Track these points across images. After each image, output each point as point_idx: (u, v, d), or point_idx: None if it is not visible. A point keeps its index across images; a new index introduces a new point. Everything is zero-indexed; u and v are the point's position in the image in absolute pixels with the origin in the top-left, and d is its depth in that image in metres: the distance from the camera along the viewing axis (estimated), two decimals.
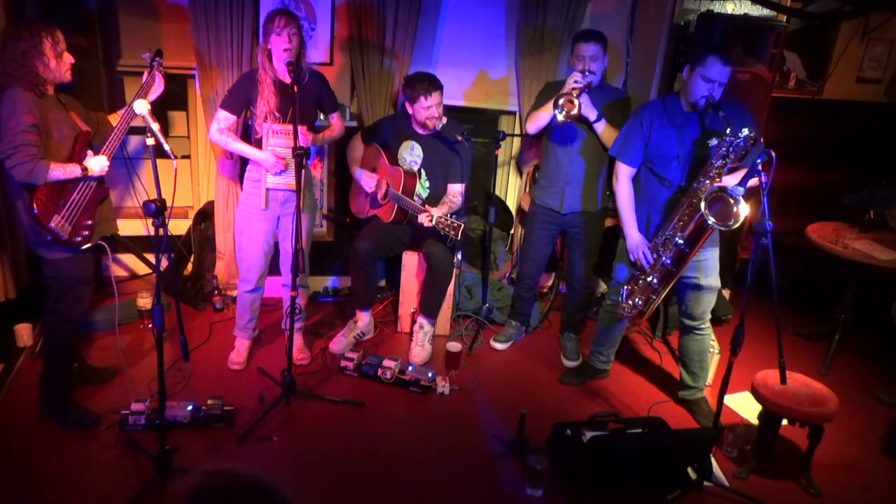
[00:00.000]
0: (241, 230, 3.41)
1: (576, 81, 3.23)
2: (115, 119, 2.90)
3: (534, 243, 3.78)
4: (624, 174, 3.21)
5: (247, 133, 3.49)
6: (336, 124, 3.52)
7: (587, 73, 3.27)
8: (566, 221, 3.65)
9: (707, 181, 2.88)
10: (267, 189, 3.26)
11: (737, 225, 2.77)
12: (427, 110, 3.48)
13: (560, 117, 3.23)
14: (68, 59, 2.66)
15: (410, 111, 3.55)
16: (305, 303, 3.59)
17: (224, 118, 3.23)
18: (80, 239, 2.69)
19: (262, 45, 3.11)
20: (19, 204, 2.67)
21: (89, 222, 2.72)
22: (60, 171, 2.57)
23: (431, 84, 3.45)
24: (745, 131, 2.78)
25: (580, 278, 3.77)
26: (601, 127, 3.38)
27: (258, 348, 3.67)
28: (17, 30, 2.57)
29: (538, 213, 3.71)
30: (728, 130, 2.81)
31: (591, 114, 3.34)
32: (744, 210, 2.74)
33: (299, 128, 3.13)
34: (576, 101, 3.20)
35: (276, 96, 3.14)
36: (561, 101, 3.22)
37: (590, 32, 3.38)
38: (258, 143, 3.24)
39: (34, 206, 2.54)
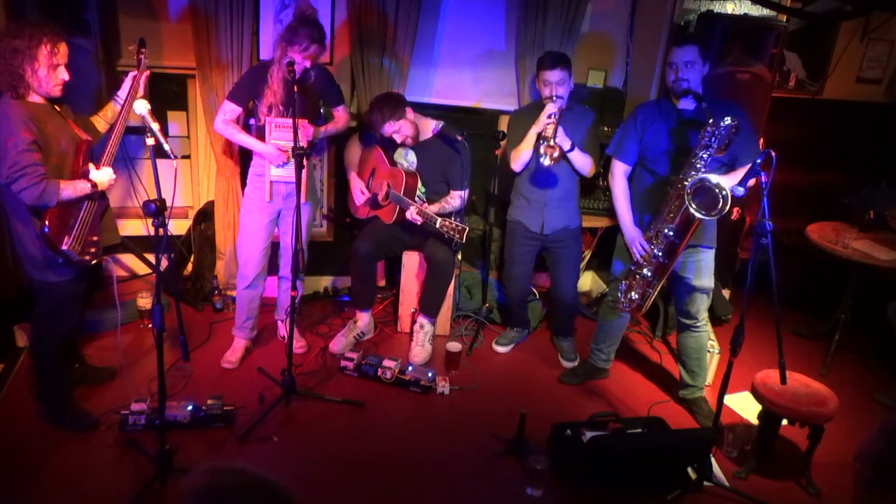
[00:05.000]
0: (243, 224, 3.45)
1: (549, 117, 3.22)
2: (98, 122, 2.85)
3: (516, 262, 3.72)
4: (619, 171, 3.25)
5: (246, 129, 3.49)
6: (340, 117, 3.55)
7: (556, 98, 3.26)
8: (547, 238, 3.63)
9: (693, 172, 2.89)
10: (271, 182, 3.30)
11: (722, 213, 2.77)
12: (393, 136, 3.50)
13: (547, 163, 3.22)
14: (62, 74, 2.54)
15: None
16: (302, 293, 3.61)
17: (230, 109, 3.25)
18: (88, 257, 2.65)
19: (284, 45, 3.09)
20: (17, 226, 2.60)
21: (95, 238, 2.68)
22: (71, 189, 2.53)
23: (376, 118, 3.44)
24: (728, 120, 2.80)
25: (569, 295, 3.75)
26: (575, 155, 3.39)
27: (258, 348, 3.67)
28: (19, 27, 2.48)
29: (518, 231, 3.67)
30: (710, 121, 2.83)
31: (566, 144, 3.34)
32: (728, 198, 2.74)
33: (301, 120, 3.16)
34: (556, 144, 3.21)
35: (283, 90, 3.15)
36: (543, 149, 3.22)
37: (553, 59, 3.32)
38: (259, 132, 3.26)
39: (46, 228, 2.49)
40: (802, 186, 4.91)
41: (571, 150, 3.35)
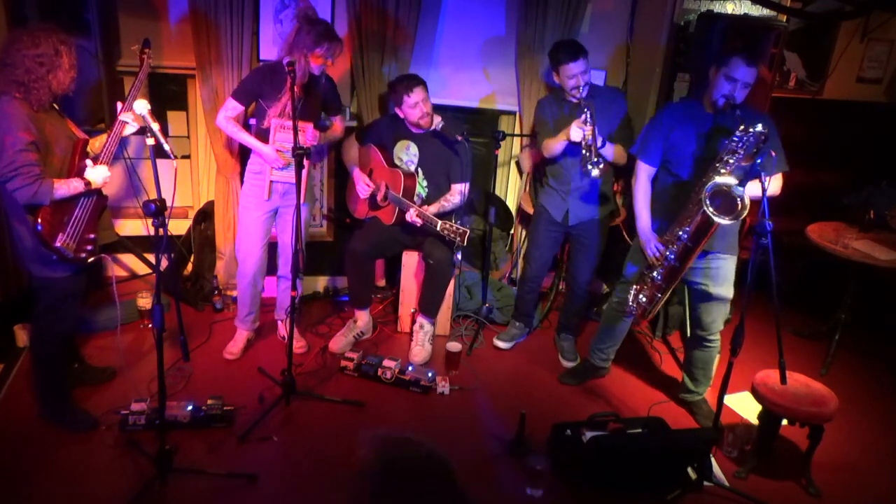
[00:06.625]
0: (241, 221, 3.48)
1: (585, 123, 3.22)
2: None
3: (538, 245, 3.78)
4: (643, 173, 3.19)
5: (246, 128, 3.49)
6: (337, 126, 3.60)
7: (582, 87, 3.27)
8: (571, 227, 3.66)
9: (715, 176, 2.83)
10: (270, 181, 3.32)
11: (740, 218, 2.75)
12: (414, 108, 3.49)
13: (596, 173, 3.21)
14: (73, 72, 2.61)
15: (402, 115, 3.57)
16: (301, 293, 3.61)
17: (233, 107, 3.27)
18: (84, 255, 2.66)
19: (305, 52, 3.11)
20: (14, 222, 2.61)
21: (92, 236, 2.69)
22: (65, 188, 2.54)
23: (411, 80, 3.47)
24: (759, 127, 2.72)
25: (583, 282, 3.77)
26: (607, 150, 3.38)
27: (258, 348, 3.68)
28: (32, 37, 2.47)
29: (542, 216, 3.72)
30: (741, 127, 2.76)
31: (597, 141, 3.33)
32: (745, 200, 2.72)
33: (307, 124, 3.21)
34: (599, 156, 3.23)
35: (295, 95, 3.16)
36: (591, 168, 3.20)
37: (572, 50, 3.29)
38: (262, 133, 3.28)
39: (39, 226, 2.50)
40: (802, 186, 4.91)
41: (603, 146, 3.34)
